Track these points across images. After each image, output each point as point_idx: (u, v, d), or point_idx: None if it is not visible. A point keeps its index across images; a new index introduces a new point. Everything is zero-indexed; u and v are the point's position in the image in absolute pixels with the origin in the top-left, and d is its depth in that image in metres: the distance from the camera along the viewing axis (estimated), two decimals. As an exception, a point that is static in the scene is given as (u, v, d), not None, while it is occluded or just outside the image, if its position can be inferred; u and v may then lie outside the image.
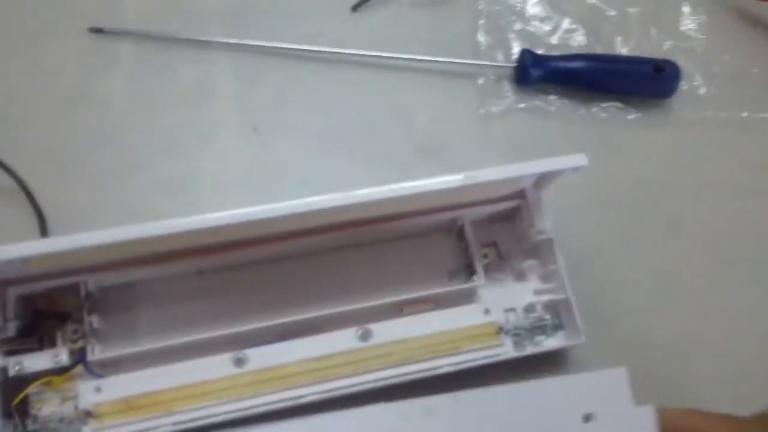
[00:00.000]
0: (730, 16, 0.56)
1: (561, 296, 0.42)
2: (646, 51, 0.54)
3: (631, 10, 0.55)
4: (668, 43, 0.54)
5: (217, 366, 0.39)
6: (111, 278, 0.40)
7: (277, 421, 0.36)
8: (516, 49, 0.52)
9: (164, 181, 0.46)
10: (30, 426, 0.38)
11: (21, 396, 0.38)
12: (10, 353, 0.38)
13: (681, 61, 0.52)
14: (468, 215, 0.43)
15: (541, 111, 0.51)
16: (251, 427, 0.36)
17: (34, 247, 0.34)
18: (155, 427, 0.38)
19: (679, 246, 0.48)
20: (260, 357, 0.40)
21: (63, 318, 0.40)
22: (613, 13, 0.55)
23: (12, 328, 0.38)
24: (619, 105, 0.52)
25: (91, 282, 0.40)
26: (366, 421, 0.36)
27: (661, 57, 0.52)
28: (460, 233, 0.44)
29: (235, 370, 0.39)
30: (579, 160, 0.37)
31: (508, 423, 0.37)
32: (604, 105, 0.52)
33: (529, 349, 0.42)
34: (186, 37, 0.50)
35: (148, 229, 0.34)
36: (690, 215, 0.49)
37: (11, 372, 0.38)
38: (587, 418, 0.36)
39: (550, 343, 0.43)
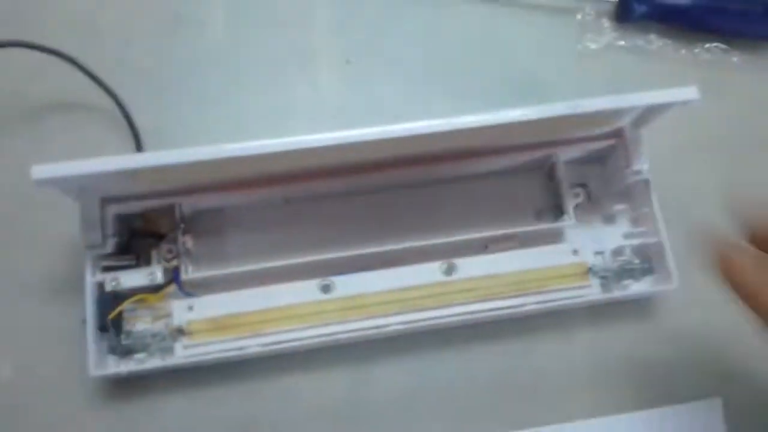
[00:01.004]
0: None
1: (653, 240, 0.41)
2: (757, -9, 0.51)
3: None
4: (782, -18, 0.51)
5: (304, 291, 0.40)
6: (204, 202, 0.41)
7: None
8: (618, -15, 0.50)
9: (259, 108, 0.46)
10: (124, 340, 0.39)
11: (117, 311, 0.39)
12: (107, 269, 0.39)
13: (795, 2, 0.49)
14: (561, 153, 0.42)
15: (642, 50, 0.49)
16: None
17: (134, 160, 0.35)
18: (243, 347, 0.39)
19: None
20: (346, 285, 0.40)
21: (158, 238, 0.40)
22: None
23: (110, 245, 0.39)
24: (724, 46, 0.49)
25: (186, 204, 0.40)
26: None
27: (773, -3, 0.49)
28: (551, 172, 0.43)
29: (321, 296, 0.40)
30: (690, 93, 0.35)
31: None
32: (708, 46, 0.49)
33: (616, 292, 0.41)
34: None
35: (242, 149, 0.34)
36: (796, 164, 0.47)
37: (108, 287, 0.39)
38: None
39: (638, 287, 0.42)
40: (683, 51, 0.49)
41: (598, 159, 0.43)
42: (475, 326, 0.41)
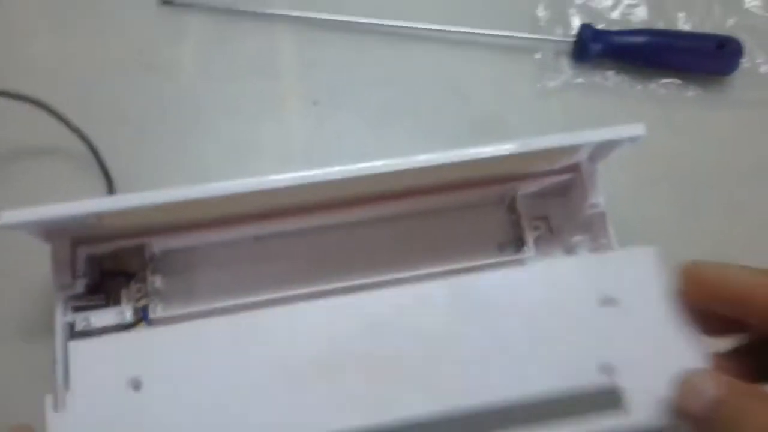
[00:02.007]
0: (796, -6, 0.55)
1: (612, 271, 0.42)
2: (709, 28, 0.53)
3: (695, -15, 0.54)
4: (731, 19, 0.53)
5: (272, 328, 0.41)
6: (174, 241, 0.42)
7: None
8: (576, 24, 0.52)
9: (227, 150, 0.47)
10: (95, 380, 0.40)
11: (87, 350, 0.39)
12: (77, 309, 0.40)
13: (744, 39, 0.51)
14: (521, 188, 0.43)
15: (599, 87, 0.51)
16: None
17: (104, 203, 0.36)
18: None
19: (735, 228, 0.47)
20: (313, 319, 0.41)
21: (128, 277, 0.41)
22: (676, -12, 0.54)
23: (80, 286, 0.40)
24: (679, 81, 0.51)
25: (156, 244, 0.41)
26: (356, 310, 0.35)
27: (723, 34, 0.51)
28: (512, 205, 0.44)
29: (289, 332, 0.41)
30: (636, 129, 0.37)
31: (507, 309, 0.34)
32: (663, 81, 0.51)
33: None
34: (251, 9, 0.51)
35: (213, 189, 0.35)
36: (748, 197, 0.48)
37: (78, 327, 0.39)
38: (607, 301, 0.34)
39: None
40: (639, 87, 0.51)
41: (558, 192, 0.45)
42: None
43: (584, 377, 0.33)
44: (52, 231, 0.38)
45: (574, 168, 0.43)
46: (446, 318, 0.35)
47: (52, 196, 0.35)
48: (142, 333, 0.36)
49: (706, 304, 0.32)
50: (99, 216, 0.36)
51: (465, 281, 0.36)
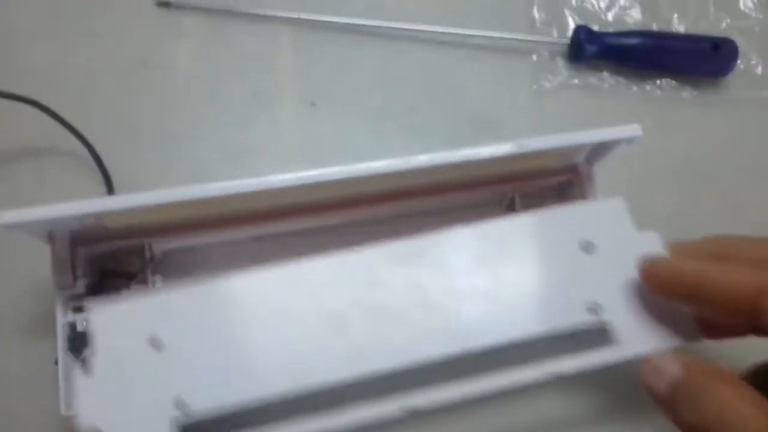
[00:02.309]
0: (791, -5, 0.55)
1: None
2: (703, 29, 0.53)
3: (690, -13, 0.55)
4: (726, 21, 0.54)
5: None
6: (173, 242, 0.42)
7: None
8: (571, 26, 0.52)
9: (225, 150, 0.48)
10: (95, 380, 0.40)
11: (88, 351, 0.40)
12: (78, 310, 0.40)
13: (738, 40, 0.51)
14: (519, 189, 0.44)
15: (595, 88, 0.51)
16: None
17: (104, 203, 0.36)
18: None
19: (731, 228, 0.47)
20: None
21: (129, 278, 0.41)
22: (671, -10, 0.54)
23: (81, 286, 0.40)
24: (674, 83, 0.51)
25: (156, 244, 0.41)
26: (360, 264, 0.37)
27: (718, 36, 0.52)
28: (510, 206, 0.44)
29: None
30: (633, 130, 0.37)
31: (498, 258, 0.37)
32: (658, 83, 0.51)
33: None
34: (248, 11, 0.51)
35: (212, 189, 0.35)
36: (744, 196, 0.49)
37: (79, 327, 0.39)
38: (587, 247, 0.37)
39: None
40: (635, 88, 0.51)
41: (556, 192, 0.45)
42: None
43: (574, 317, 0.36)
44: (52, 231, 0.38)
45: (572, 169, 0.43)
46: (442, 269, 0.37)
47: (52, 196, 0.35)
48: (160, 293, 0.37)
49: (667, 298, 0.34)
50: (99, 216, 0.36)
51: (459, 233, 0.38)
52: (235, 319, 0.36)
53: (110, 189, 0.44)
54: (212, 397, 0.34)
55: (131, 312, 0.36)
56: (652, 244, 0.37)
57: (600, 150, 0.40)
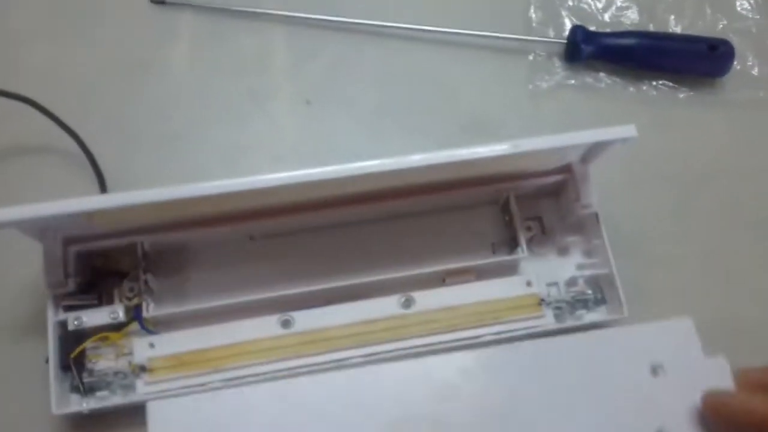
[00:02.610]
0: (787, -4, 0.55)
1: (604, 271, 0.43)
2: (700, 30, 0.53)
3: (687, -13, 0.54)
4: (722, 22, 0.53)
5: (265, 327, 0.41)
6: (166, 240, 0.42)
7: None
8: (568, 26, 0.52)
9: (220, 149, 0.47)
10: (86, 378, 0.40)
11: (79, 349, 0.39)
12: (69, 308, 0.40)
13: (735, 41, 0.51)
14: (514, 189, 0.44)
15: (591, 88, 0.51)
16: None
17: (95, 201, 0.36)
18: (205, 384, 0.39)
19: (727, 227, 0.48)
20: (306, 320, 0.41)
21: (120, 276, 0.41)
22: (667, -10, 0.54)
23: (72, 284, 0.40)
24: (671, 84, 0.51)
25: (147, 242, 0.41)
26: (423, 374, 0.36)
27: (714, 36, 0.52)
28: (505, 206, 0.44)
29: (281, 331, 0.41)
30: (628, 131, 0.37)
31: (567, 375, 0.36)
32: (655, 83, 0.51)
33: (570, 322, 0.43)
34: (244, 8, 0.51)
35: (204, 188, 0.35)
36: (740, 196, 0.48)
37: (70, 326, 0.39)
38: (655, 369, 0.36)
39: (591, 317, 0.43)
40: (631, 88, 0.51)
41: (551, 193, 0.45)
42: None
43: None
44: (43, 229, 0.38)
45: (567, 169, 0.43)
46: (509, 382, 0.36)
47: (45, 194, 0.35)
48: (221, 395, 0.36)
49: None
50: (91, 214, 0.36)
51: (527, 347, 0.37)
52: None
53: (103, 187, 0.44)
54: None
55: (191, 412, 0.35)
56: (721, 371, 0.35)
57: (595, 150, 0.40)
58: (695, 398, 0.35)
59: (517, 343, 0.37)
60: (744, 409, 0.34)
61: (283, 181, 0.36)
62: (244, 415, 0.34)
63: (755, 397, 0.34)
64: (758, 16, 0.54)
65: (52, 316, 0.39)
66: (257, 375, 0.40)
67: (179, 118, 0.48)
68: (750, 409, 0.33)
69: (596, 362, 0.36)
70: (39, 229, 0.38)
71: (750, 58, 0.52)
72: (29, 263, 0.40)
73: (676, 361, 0.36)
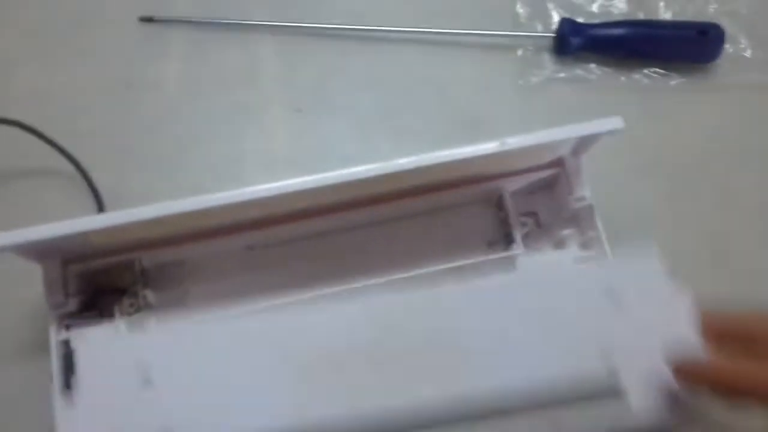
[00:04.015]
0: (777, -24, 0.54)
1: (601, 263, 0.43)
2: (691, 15, 0.53)
3: (675, -28, 0.54)
4: (713, 6, 0.53)
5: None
6: (164, 255, 0.42)
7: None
8: (556, 19, 0.52)
9: (213, 162, 0.48)
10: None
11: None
12: (72, 327, 0.40)
13: (726, 24, 0.51)
14: (507, 185, 0.44)
15: (582, 80, 0.51)
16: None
17: (92, 221, 0.36)
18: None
19: (724, 213, 0.47)
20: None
21: (121, 292, 0.42)
22: (655, -23, 0.54)
23: (73, 304, 0.40)
24: (662, 71, 0.51)
25: (146, 258, 0.42)
26: (369, 311, 0.36)
27: (705, 21, 0.51)
28: (500, 203, 0.44)
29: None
30: (614, 123, 0.37)
31: (525, 310, 0.36)
32: (646, 71, 0.51)
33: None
34: (231, 21, 0.51)
35: (199, 202, 0.36)
36: (736, 181, 0.48)
37: (73, 344, 0.40)
38: (614, 299, 0.36)
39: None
40: (622, 78, 0.51)
41: (545, 187, 0.45)
42: None
43: (585, 364, 0.35)
44: (42, 251, 0.38)
45: (559, 162, 0.43)
46: (457, 316, 0.36)
47: (43, 216, 0.35)
48: (149, 329, 0.37)
49: (695, 390, 0.34)
50: (88, 234, 0.36)
51: (472, 285, 0.37)
52: (228, 362, 0.35)
53: (100, 206, 0.45)
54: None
55: (120, 346, 0.36)
56: (682, 303, 0.35)
57: (585, 143, 0.40)
58: (655, 328, 0.35)
59: (462, 281, 0.37)
60: (711, 371, 0.34)
61: (276, 191, 0.36)
62: (171, 351, 0.35)
63: (719, 361, 0.34)
64: (748, -2, 0.53)
65: (55, 336, 0.40)
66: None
67: (172, 134, 0.48)
68: (717, 371, 0.33)
69: (553, 294, 0.36)
70: (37, 251, 0.38)
71: (742, 41, 0.52)
72: (30, 283, 0.40)
73: (638, 291, 0.36)
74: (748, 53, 0.52)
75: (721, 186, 0.48)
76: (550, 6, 0.53)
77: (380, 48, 0.51)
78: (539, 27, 0.52)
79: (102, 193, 0.45)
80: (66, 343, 0.40)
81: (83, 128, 0.48)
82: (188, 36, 0.51)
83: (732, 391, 0.33)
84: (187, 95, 0.50)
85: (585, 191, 0.42)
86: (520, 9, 0.53)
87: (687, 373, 0.34)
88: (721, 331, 0.35)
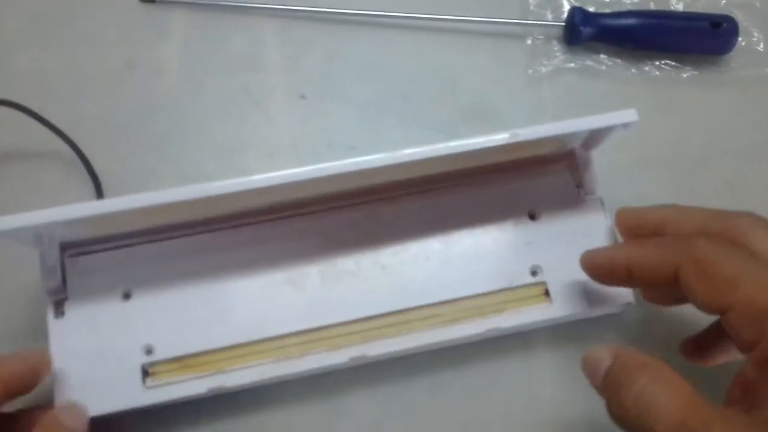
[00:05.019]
0: (792, -32, 0.53)
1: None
2: (702, 7, 0.52)
3: (688, -36, 0.53)
4: (725, -3, 0.52)
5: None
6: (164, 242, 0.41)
7: None
8: (566, 8, 0.51)
9: (215, 147, 0.47)
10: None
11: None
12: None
13: (739, 17, 0.50)
14: (516, 177, 0.43)
15: (592, 70, 0.50)
16: None
17: (90, 207, 0.35)
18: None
19: (735, 207, 0.46)
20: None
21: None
22: (668, -33, 0.53)
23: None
24: (673, 63, 0.50)
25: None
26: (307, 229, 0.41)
27: (717, 13, 0.50)
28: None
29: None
30: (629, 115, 0.36)
31: (444, 225, 0.40)
32: (657, 63, 0.50)
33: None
34: (235, 4, 0.50)
35: (200, 190, 0.35)
36: (747, 176, 0.48)
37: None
38: (533, 214, 0.40)
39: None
40: (633, 69, 0.50)
41: (555, 179, 0.44)
42: (440, 351, 0.42)
43: (517, 279, 0.40)
44: (39, 237, 0.38)
45: (569, 155, 0.42)
46: (395, 234, 0.41)
47: (41, 201, 0.34)
48: (134, 248, 0.40)
49: (607, 284, 0.37)
50: (83, 222, 0.35)
51: (415, 201, 0.41)
52: (203, 273, 0.39)
53: (99, 191, 0.44)
54: (179, 345, 0.38)
55: (106, 263, 0.39)
56: (596, 210, 0.41)
57: (597, 136, 0.39)
58: (571, 238, 0.40)
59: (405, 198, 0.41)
60: (608, 260, 0.36)
61: (281, 180, 0.35)
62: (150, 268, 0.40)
63: (618, 249, 0.37)
64: (762, -10, 0.52)
65: (52, 322, 0.39)
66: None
67: (173, 119, 0.47)
68: (613, 260, 0.35)
69: (475, 211, 0.41)
70: (34, 237, 0.37)
71: (755, 34, 0.51)
72: (27, 268, 0.39)
73: (554, 204, 0.41)
74: (761, 47, 0.51)
75: (732, 180, 0.47)
76: (561, -6, 0.52)
77: (386, 34, 0.50)
78: (549, 16, 0.51)
79: (101, 177, 0.44)
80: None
81: (83, 111, 0.47)
82: (190, 18, 0.50)
83: (629, 275, 0.34)
84: (189, 79, 0.49)
85: (594, 185, 0.41)
86: (530, -3, 0.52)
87: (592, 267, 0.37)
88: (636, 225, 0.38)
